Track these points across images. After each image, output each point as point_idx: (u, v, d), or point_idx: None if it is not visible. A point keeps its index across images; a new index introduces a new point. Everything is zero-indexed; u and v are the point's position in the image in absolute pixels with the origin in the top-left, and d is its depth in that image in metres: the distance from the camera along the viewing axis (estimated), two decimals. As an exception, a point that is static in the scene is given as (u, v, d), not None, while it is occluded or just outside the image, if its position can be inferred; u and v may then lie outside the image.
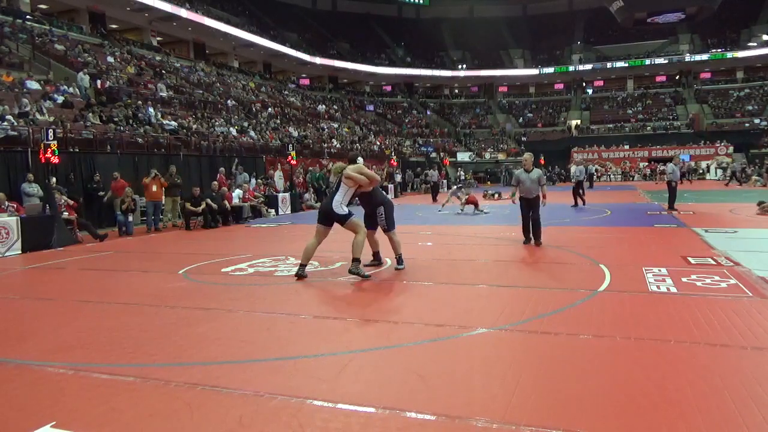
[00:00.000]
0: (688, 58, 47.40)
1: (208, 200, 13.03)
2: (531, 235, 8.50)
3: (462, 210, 15.26)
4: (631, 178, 37.43)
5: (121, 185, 12.63)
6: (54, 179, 11.15)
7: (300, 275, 6.35)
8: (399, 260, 6.79)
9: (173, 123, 19.30)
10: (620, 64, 49.65)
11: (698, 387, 2.97)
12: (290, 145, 20.19)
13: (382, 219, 6.75)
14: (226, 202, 13.78)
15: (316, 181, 20.48)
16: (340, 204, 6.29)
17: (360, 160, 6.85)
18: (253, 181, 17.70)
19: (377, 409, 2.80)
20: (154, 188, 12.53)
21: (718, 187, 25.37)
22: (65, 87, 18.52)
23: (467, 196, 15.75)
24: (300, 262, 6.48)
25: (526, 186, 8.33)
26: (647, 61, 49.02)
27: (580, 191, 16.14)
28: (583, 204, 15.90)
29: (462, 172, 33.36)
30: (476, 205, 15.30)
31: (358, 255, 6.21)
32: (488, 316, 4.53)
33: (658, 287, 5.30)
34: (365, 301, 5.44)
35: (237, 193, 15.02)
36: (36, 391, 3.22)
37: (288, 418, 2.74)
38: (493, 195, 22.16)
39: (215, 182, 14.27)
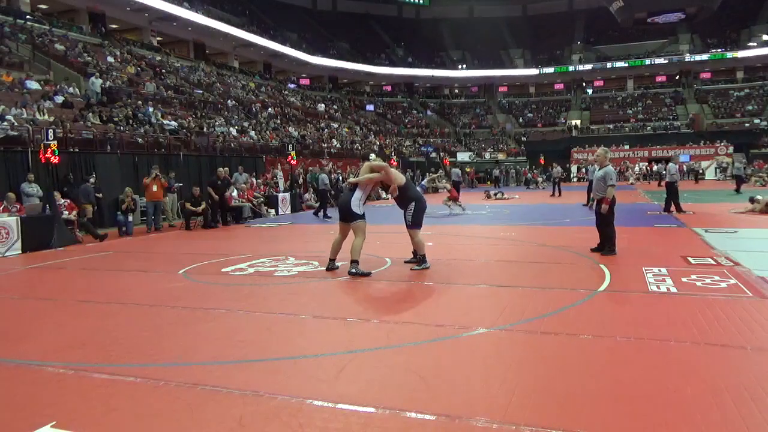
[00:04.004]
0: (688, 58, 47.44)
1: (210, 190, 12.99)
2: (599, 243, 7.53)
3: (450, 210, 15.23)
4: (627, 179, 36.35)
5: None
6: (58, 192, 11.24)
7: (329, 268, 6.74)
8: (421, 260, 6.65)
9: (173, 123, 19.32)
10: (620, 64, 49.69)
11: (698, 387, 2.97)
12: (290, 145, 20.19)
13: (410, 214, 6.63)
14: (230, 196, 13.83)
15: (315, 180, 20.45)
16: (358, 201, 6.49)
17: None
18: (254, 180, 17.70)
19: (377, 409, 2.80)
20: (155, 188, 12.53)
21: (718, 187, 25.35)
22: (70, 89, 18.57)
23: (448, 190, 15.77)
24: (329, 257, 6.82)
25: (594, 185, 7.66)
26: (647, 61, 49.06)
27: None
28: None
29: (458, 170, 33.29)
30: (456, 199, 15.30)
31: (356, 257, 6.37)
32: (488, 316, 4.53)
33: (658, 287, 5.29)
34: (365, 301, 5.43)
35: (235, 193, 15.01)
36: (36, 391, 3.22)
37: (288, 418, 2.74)
38: (495, 195, 22.14)
39: (221, 169, 13.80)
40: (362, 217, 6.51)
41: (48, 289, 6.53)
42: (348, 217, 6.53)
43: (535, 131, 48.31)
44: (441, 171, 21.20)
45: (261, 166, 20.20)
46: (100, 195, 13.19)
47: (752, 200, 12.54)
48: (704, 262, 6.48)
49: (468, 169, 38.57)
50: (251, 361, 3.62)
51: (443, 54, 54.55)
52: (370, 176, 6.57)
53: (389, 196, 7.03)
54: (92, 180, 12.66)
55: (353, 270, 6.33)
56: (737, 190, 19.54)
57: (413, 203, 6.65)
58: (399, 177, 6.75)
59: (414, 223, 6.65)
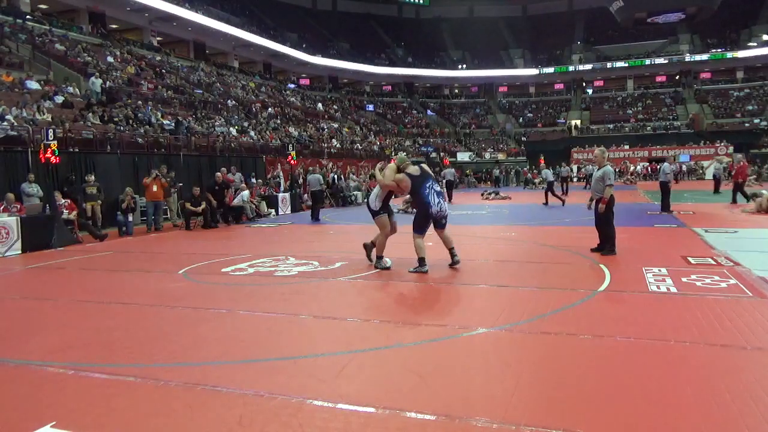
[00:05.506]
0: (688, 58, 47.45)
1: (208, 194, 12.99)
2: (599, 243, 7.58)
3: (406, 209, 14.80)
4: (628, 181, 35.84)
5: None
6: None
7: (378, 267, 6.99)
8: (419, 263, 6.55)
9: (173, 123, 19.31)
10: (620, 64, 49.70)
11: (698, 387, 2.97)
12: (290, 145, 20.19)
13: (414, 217, 6.83)
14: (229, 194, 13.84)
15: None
16: (375, 198, 6.85)
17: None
18: (253, 181, 17.68)
19: (377, 409, 2.80)
20: (155, 188, 12.52)
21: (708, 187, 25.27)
22: (70, 89, 18.57)
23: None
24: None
25: (593, 185, 7.73)
26: (647, 61, 49.07)
27: (555, 191, 17.64)
28: (562, 204, 16.82)
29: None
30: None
31: (380, 253, 6.80)
32: (488, 316, 4.53)
33: (658, 287, 5.29)
34: (365, 301, 5.44)
35: (244, 194, 14.79)
36: (36, 391, 3.22)
37: (288, 418, 2.74)
38: (490, 194, 22.14)
39: (219, 174, 13.89)
40: (380, 212, 6.84)
41: (48, 289, 6.53)
42: (371, 214, 6.93)
43: (535, 131, 48.31)
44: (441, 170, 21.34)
45: (261, 166, 20.20)
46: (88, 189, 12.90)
47: (755, 197, 12.55)
48: (704, 262, 6.48)
49: (469, 171, 38.74)
50: (251, 361, 3.63)
51: (443, 54, 54.55)
52: (385, 183, 6.77)
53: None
54: (87, 178, 12.48)
55: (377, 264, 6.76)
56: (716, 190, 19.62)
57: (418, 208, 6.85)
58: (407, 184, 6.82)
59: (414, 227, 6.71)
